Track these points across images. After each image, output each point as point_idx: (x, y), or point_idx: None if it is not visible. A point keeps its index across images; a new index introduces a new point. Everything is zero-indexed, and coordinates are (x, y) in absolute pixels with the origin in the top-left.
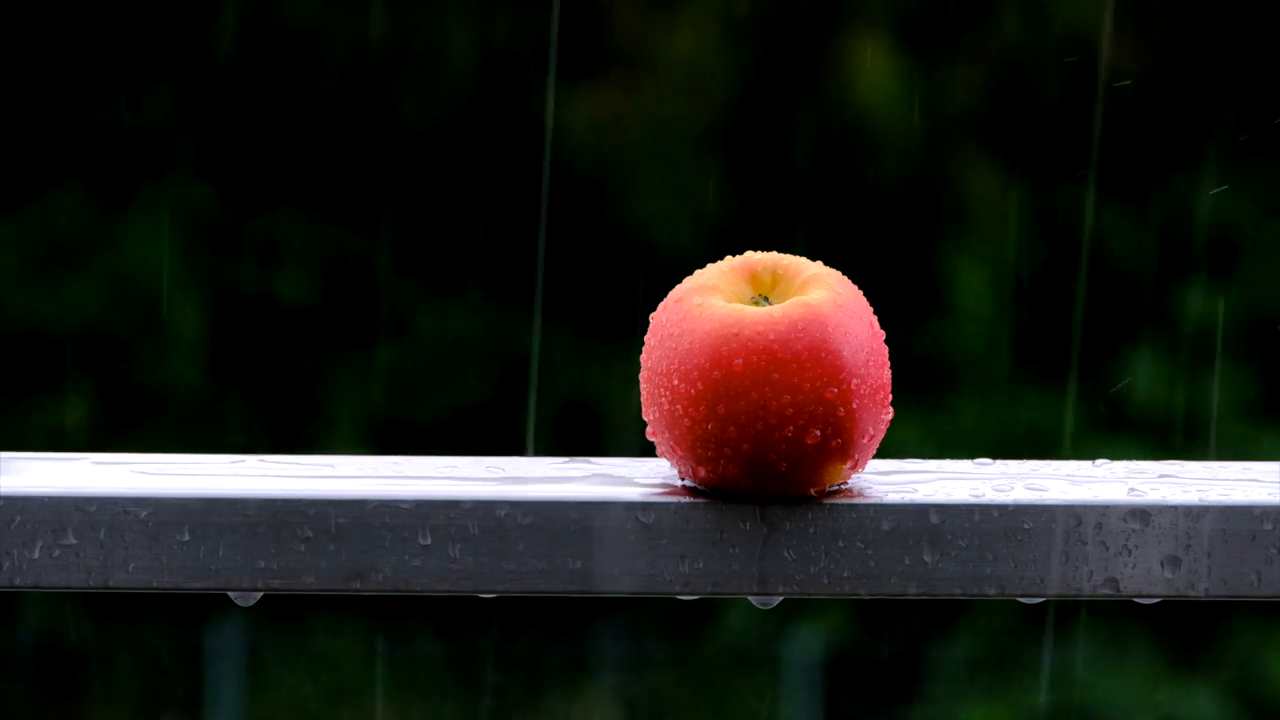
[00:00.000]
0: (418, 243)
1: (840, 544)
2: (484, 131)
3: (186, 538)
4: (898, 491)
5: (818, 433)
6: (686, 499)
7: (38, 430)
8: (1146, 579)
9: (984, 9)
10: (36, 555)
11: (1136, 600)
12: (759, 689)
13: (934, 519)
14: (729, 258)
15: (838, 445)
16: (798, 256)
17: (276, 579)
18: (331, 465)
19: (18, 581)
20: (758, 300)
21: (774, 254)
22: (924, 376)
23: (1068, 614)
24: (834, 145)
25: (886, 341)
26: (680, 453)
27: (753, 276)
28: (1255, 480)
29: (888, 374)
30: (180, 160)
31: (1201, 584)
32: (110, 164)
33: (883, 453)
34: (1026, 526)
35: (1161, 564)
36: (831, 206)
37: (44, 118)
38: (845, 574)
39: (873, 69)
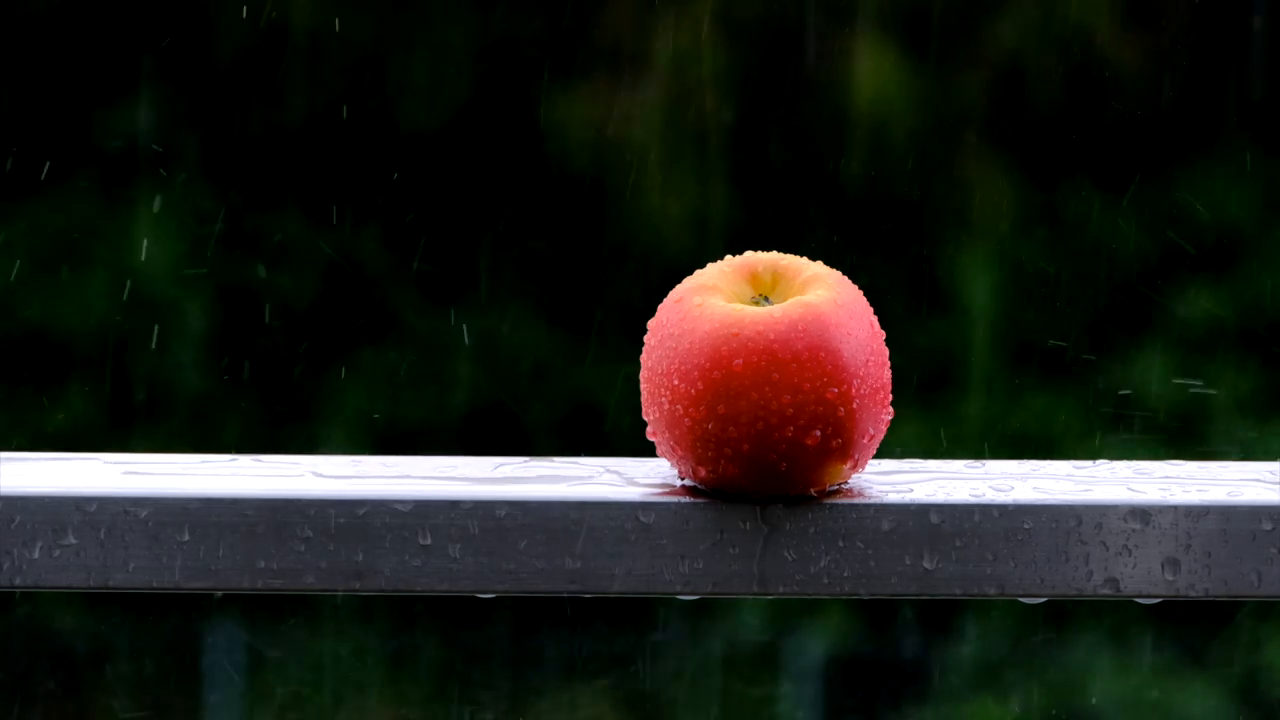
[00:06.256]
0: (419, 243)
1: (840, 544)
2: (483, 132)
3: (186, 538)
4: (898, 491)
5: (818, 433)
6: (686, 499)
7: (38, 430)
8: (1146, 579)
9: (986, 8)
10: (36, 555)
11: (1137, 600)
12: (760, 688)
13: (934, 519)
14: (729, 257)
15: (838, 445)
16: (798, 256)
17: (276, 579)
18: (331, 465)
19: (18, 581)
20: (758, 300)
21: (774, 254)
22: (924, 376)
23: (1068, 614)
24: (834, 144)
25: (887, 341)
26: (680, 453)
27: (753, 276)
28: (1255, 480)
29: (888, 374)
30: (182, 160)
31: (1201, 584)
32: (112, 163)
33: (883, 453)
34: (1026, 526)
35: (1161, 564)
36: (832, 206)
37: (45, 117)
38: (845, 574)
39: (874, 68)
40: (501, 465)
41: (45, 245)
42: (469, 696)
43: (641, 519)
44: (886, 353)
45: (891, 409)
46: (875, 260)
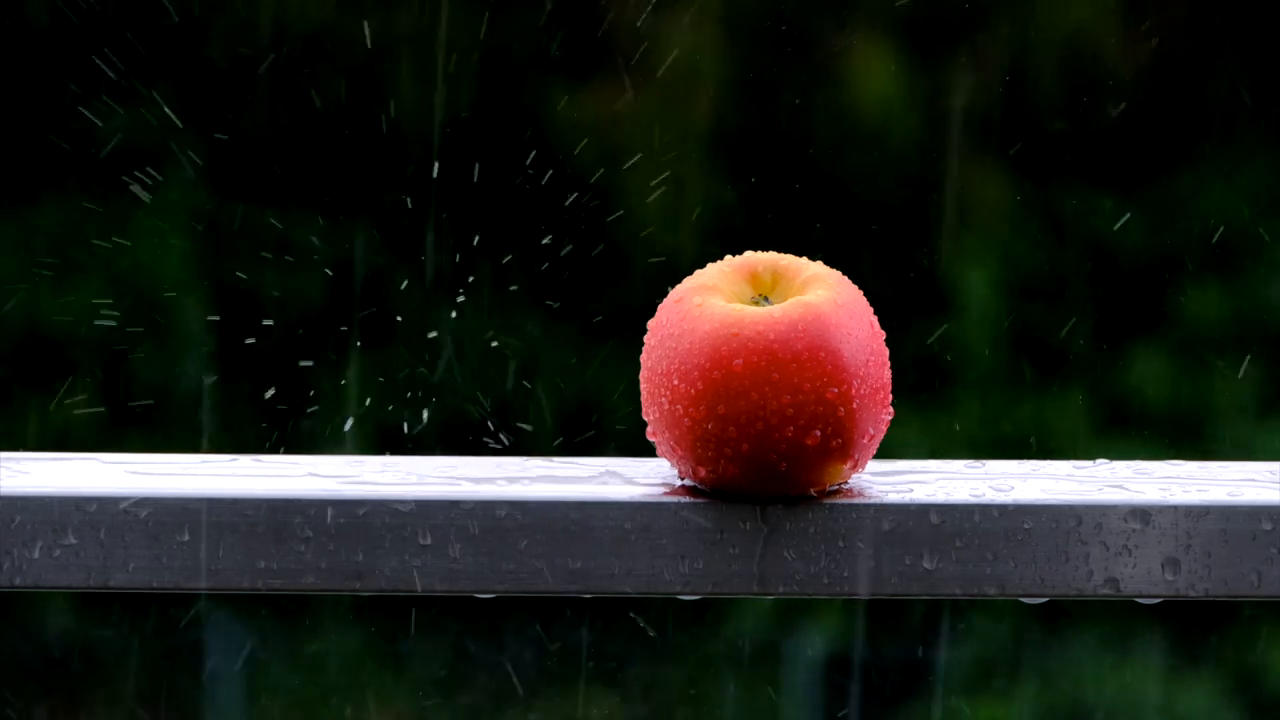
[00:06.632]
0: (418, 243)
1: (840, 544)
2: (484, 131)
3: (186, 538)
4: (898, 491)
5: (818, 433)
6: (686, 499)
7: (38, 430)
8: (1147, 579)
9: (985, 8)
10: (36, 555)
11: (1137, 600)
12: (760, 688)
13: (934, 519)
14: (729, 258)
15: (838, 445)
16: (798, 256)
17: (276, 579)
18: (331, 465)
19: (18, 581)
20: (758, 300)
21: (774, 254)
22: (924, 376)
23: (1068, 614)
24: (834, 145)
25: (887, 342)
26: (680, 453)
27: (753, 276)
28: (1255, 480)
29: (888, 374)
30: (182, 159)
31: (1201, 584)
32: (111, 162)
33: (883, 453)
34: (1026, 526)
35: (1161, 564)
36: (832, 206)
37: (45, 117)
38: (845, 574)
39: (873, 68)
40: (501, 465)
41: (45, 245)
42: (468, 696)
43: (641, 519)
44: (886, 353)
45: (891, 409)
46: (875, 260)
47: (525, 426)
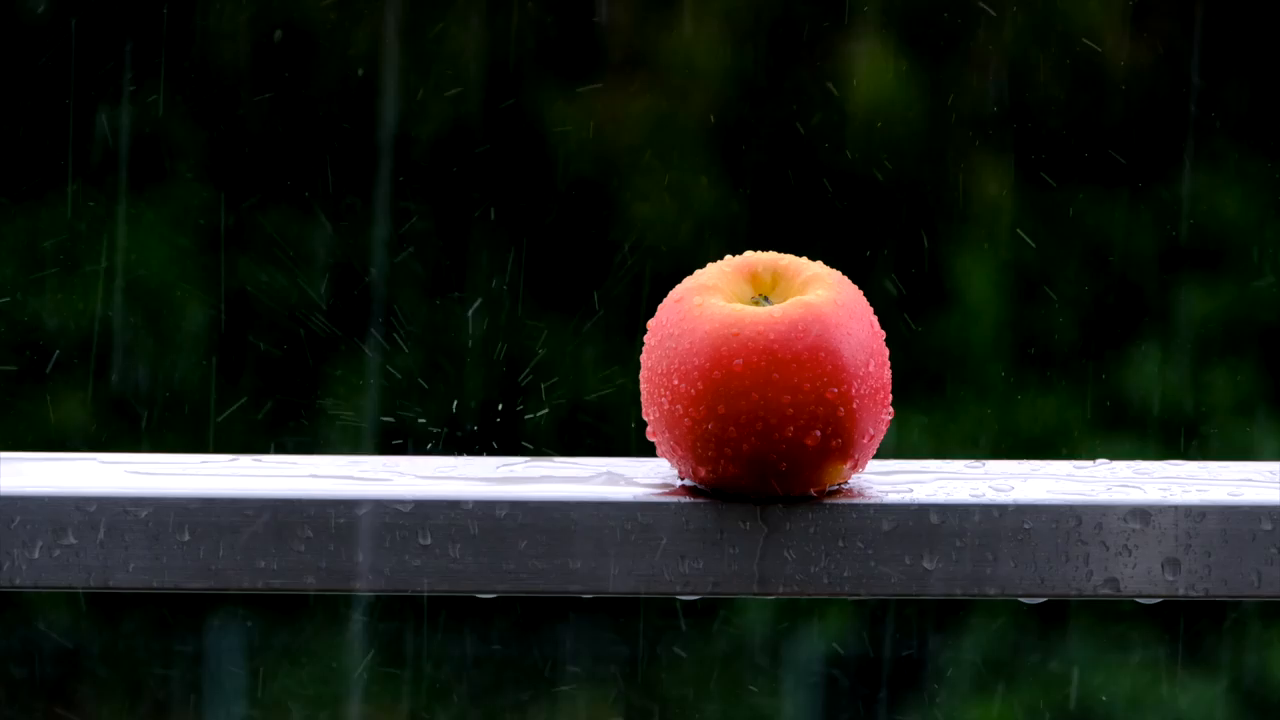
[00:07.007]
0: (418, 243)
1: (840, 544)
2: (483, 132)
3: (186, 538)
4: (898, 491)
5: (818, 433)
6: (686, 499)
7: (38, 430)
8: (1147, 579)
9: (986, 7)
10: (36, 555)
11: (1137, 600)
12: (760, 688)
13: (934, 519)
14: (729, 257)
15: (838, 445)
16: (798, 256)
17: (276, 579)
18: (331, 465)
19: (18, 581)
20: (758, 300)
21: (774, 254)
22: (925, 376)
23: (1068, 614)
24: (835, 144)
25: (887, 341)
26: (680, 453)
27: (753, 276)
28: (1255, 480)
29: (888, 374)
30: (182, 159)
31: (1201, 584)
32: (111, 162)
33: (883, 453)
34: (1026, 526)
35: (1161, 564)
36: (831, 205)
37: (44, 118)
38: (845, 574)
39: (875, 67)
40: (501, 465)
41: (44, 244)
42: (468, 696)
43: (641, 519)
44: (886, 352)
45: (891, 409)
46: (875, 259)
47: (525, 426)
